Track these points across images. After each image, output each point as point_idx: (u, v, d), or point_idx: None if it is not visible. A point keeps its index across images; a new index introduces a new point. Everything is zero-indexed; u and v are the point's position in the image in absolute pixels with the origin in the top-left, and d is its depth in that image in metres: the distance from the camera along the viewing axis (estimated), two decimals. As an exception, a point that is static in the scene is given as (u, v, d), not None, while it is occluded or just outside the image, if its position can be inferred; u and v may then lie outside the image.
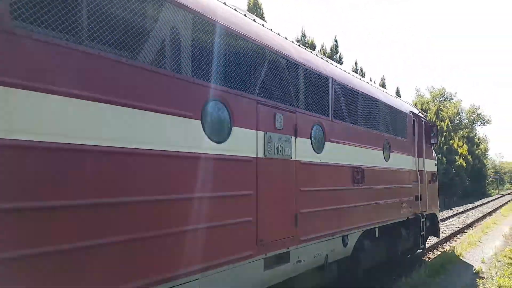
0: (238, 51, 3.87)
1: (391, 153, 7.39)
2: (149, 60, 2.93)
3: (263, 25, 4.73)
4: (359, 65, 35.58)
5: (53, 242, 2.27)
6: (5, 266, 2.07)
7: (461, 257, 9.77)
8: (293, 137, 4.62)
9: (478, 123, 54.92)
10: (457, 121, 49.24)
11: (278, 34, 4.97)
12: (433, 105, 41.34)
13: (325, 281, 5.57)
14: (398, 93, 34.73)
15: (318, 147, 5.10)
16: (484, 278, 7.69)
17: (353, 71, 34.71)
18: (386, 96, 8.01)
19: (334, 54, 36.87)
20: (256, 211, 3.93)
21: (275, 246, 4.22)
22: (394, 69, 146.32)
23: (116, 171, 2.66)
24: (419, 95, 50.51)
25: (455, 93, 54.74)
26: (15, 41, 2.11)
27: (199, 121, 3.33)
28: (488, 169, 56.88)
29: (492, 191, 52.94)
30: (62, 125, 2.34)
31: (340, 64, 35.11)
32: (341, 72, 6.39)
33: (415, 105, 35.71)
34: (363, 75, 35.00)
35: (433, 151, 10.47)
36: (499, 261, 8.82)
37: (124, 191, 2.70)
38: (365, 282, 6.87)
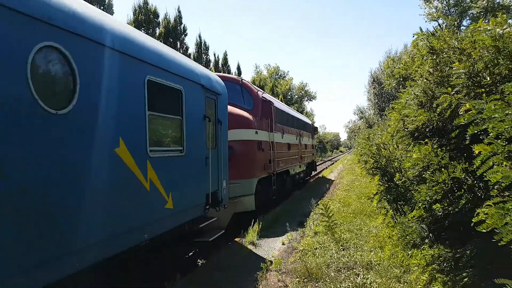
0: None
1: (310, 139, 21.75)
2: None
3: None
4: (203, 38, 35.88)
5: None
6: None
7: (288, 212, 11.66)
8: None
9: (306, 98, 63.19)
10: (289, 97, 55.60)
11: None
12: (269, 81, 45.39)
13: (302, 177, 20.19)
14: (239, 69, 36.77)
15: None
16: (305, 227, 9.23)
17: (196, 44, 34.71)
18: (306, 119, 22.79)
19: (178, 25, 36.22)
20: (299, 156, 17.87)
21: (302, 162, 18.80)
22: (236, 45, 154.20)
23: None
24: (258, 72, 54.71)
25: (288, 71, 60.89)
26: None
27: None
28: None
29: (318, 158, 62.24)
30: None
31: (185, 35, 34.71)
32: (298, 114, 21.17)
33: (254, 82, 38.50)
34: (207, 49, 35.60)
35: (315, 136, 25.43)
36: (316, 214, 10.64)
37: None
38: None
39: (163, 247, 5.95)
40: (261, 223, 9.07)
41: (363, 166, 9.30)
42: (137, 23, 33.63)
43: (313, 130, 23.68)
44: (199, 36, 37.15)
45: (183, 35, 36.70)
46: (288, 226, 8.97)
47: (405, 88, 5.36)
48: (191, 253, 7.52)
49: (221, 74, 11.17)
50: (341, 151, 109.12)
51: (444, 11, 34.32)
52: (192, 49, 36.07)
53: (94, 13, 4.14)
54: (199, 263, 7.28)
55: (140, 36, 5.13)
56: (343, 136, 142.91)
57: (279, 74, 57.51)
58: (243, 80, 11.13)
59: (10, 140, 2.94)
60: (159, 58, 5.28)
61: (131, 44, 4.66)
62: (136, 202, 4.67)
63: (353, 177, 21.02)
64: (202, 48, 36.07)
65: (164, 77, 5.31)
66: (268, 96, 12.46)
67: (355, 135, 59.68)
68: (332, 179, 22.24)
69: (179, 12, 35.33)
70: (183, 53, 35.33)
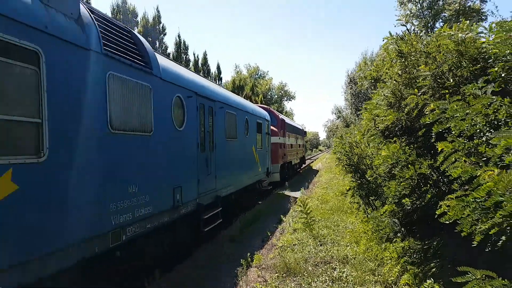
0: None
1: (302, 140, 30.62)
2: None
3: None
4: (182, 38, 35.70)
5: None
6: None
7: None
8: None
9: (286, 98, 63.70)
10: (269, 96, 55.95)
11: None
12: (249, 81, 45.57)
13: (297, 167, 27.99)
14: (218, 68, 36.80)
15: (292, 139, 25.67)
16: (284, 222, 9.44)
17: (175, 44, 34.42)
18: (301, 126, 32.88)
19: (156, 25, 35.85)
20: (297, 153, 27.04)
21: (297, 156, 27.52)
22: (216, 44, 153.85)
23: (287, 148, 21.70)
24: (238, 72, 54.79)
25: (267, 71, 61.17)
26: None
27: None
28: (294, 139, 67.18)
29: (297, 157, 63.20)
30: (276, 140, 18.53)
31: (164, 35, 34.43)
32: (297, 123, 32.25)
33: (234, 81, 38.46)
34: (186, 48, 35.44)
35: (304, 137, 34.74)
36: (296, 211, 10.87)
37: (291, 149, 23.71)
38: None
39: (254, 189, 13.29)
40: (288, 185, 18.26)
41: (337, 163, 9.63)
42: (114, 23, 33.20)
43: (303, 133, 34.34)
44: (178, 36, 36.92)
45: (162, 35, 36.45)
46: (301, 187, 16.48)
47: (377, 89, 5.62)
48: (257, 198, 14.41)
49: (259, 104, 20.58)
50: (320, 150, 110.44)
51: (418, 13, 35.35)
52: (171, 49, 35.85)
53: (259, 109, 14.57)
54: (260, 202, 14.38)
55: (255, 107, 14.06)
56: (322, 135, 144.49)
57: (259, 74, 57.80)
58: (270, 108, 20.14)
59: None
60: (259, 114, 13.63)
61: (254, 111, 12.90)
62: (254, 167, 12.35)
63: (331, 175, 21.43)
64: (182, 48, 35.88)
65: (259, 120, 13.32)
66: (283, 117, 22.37)
67: (333, 134, 60.63)
68: (316, 169, 32.08)
69: (158, 11, 35.09)
70: (162, 52, 35.06)
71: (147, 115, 5.29)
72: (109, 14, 33.41)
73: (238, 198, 10.82)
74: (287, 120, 23.68)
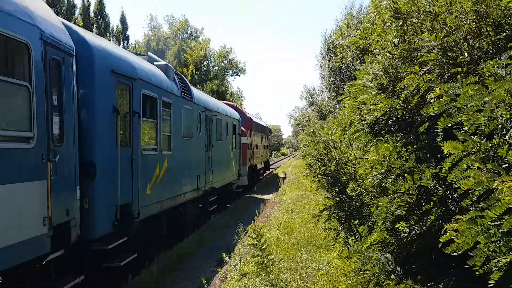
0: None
1: (266, 138, 46.91)
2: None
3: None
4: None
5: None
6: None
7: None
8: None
9: (231, 72, 64.02)
10: (205, 68, 56.01)
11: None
12: (173, 43, 45.42)
13: (262, 171, 43.81)
14: (123, 22, 36.49)
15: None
16: (227, 264, 9.77)
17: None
18: (264, 123, 50.59)
19: None
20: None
21: (262, 160, 42.68)
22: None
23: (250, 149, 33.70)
24: (154, 27, 54.30)
25: (202, 28, 61.21)
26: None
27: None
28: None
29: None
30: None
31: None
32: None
33: (149, 42, 38.47)
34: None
35: (268, 136, 47.93)
36: (245, 247, 11.22)
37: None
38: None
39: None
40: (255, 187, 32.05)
41: (306, 171, 10.10)
42: None
43: (268, 131, 43.94)
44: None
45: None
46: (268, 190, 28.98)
47: (364, 65, 6.06)
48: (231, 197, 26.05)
49: (225, 101, 28.83)
50: (283, 154, 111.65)
51: None
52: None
53: (231, 109, 27.34)
54: (229, 205, 24.21)
55: (229, 108, 25.95)
56: (287, 132, 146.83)
57: (189, 32, 57.74)
58: (237, 106, 29.12)
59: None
60: (233, 115, 25.39)
61: (231, 113, 25.02)
62: (230, 167, 23.83)
63: (300, 192, 22.14)
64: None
65: (234, 122, 25.03)
66: (250, 115, 32.84)
67: (303, 130, 61.94)
68: (281, 176, 42.45)
69: None
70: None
71: (192, 127, 15.19)
72: None
73: (221, 193, 20.98)
74: (254, 118, 34.47)
